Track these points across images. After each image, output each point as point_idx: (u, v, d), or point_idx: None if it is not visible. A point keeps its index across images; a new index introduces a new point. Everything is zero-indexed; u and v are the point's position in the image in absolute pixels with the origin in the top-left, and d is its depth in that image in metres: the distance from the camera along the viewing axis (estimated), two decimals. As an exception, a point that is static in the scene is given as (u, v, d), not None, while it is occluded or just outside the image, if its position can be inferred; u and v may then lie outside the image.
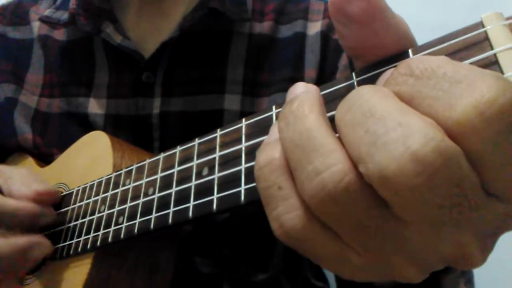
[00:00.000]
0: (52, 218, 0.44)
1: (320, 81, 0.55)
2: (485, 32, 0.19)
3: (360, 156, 0.17)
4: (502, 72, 0.18)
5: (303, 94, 0.21)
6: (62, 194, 0.47)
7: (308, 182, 0.18)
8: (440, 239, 0.17)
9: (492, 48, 0.19)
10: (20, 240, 0.39)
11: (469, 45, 0.20)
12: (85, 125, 0.56)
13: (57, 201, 0.44)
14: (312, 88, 0.22)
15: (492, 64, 0.18)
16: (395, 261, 0.18)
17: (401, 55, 0.22)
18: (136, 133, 0.54)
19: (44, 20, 0.61)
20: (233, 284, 0.53)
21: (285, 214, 0.19)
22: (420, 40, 0.23)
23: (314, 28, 0.57)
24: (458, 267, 0.19)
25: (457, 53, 0.20)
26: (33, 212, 0.41)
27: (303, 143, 0.19)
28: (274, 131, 0.22)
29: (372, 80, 0.22)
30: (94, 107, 0.56)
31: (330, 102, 0.24)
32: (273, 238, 0.60)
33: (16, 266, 0.39)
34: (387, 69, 0.22)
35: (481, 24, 0.19)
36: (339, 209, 0.18)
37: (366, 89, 0.18)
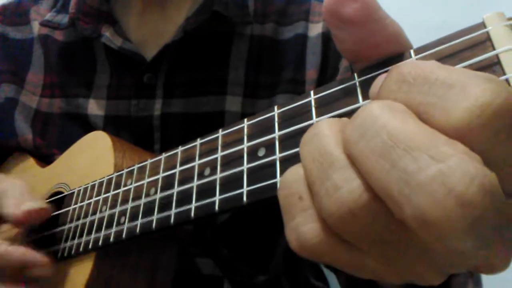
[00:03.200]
0: (46, 271, 0.40)
1: (321, 82, 0.55)
2: (487, 32, 0.19)
3: (390, 194, 0.16)
4: (504, 72, 0.18)
5: (327, 119, 0.21)
6: (63, 195, 0.47)
7: (327, 198, 0.17)
8: (468, 255, 0.16)
9: (494, 49, 0.19)
10: None
11: (471, 46, 0.20)
12: (86, 126, 0.56)
13: (49, 218, 0.42)
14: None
15: (494, 64, 0.19)
16: (418, 268, 0.18)
17: (403, 56, 0.22)
18: (137, 135, 0.54)
19: (45, 24, 0.61)
20: (233, 285, 0.53)
21: (303, 225, 0.19)
22: (420, 40, 0.23)
23: (316, 29, 0.57)
24: (482, 273, 0.18)
25: (459, 53, 0.20)
26: (22, 260, 0.39)
27: (320, 158, 0.19)
28: None
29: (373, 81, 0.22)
30: (94, 108, 0.56)
31: (332, 103, 0.24)
32: (273, 239, 0.59)
33: None
34: (388, 69, 0.22)
35: (482, 25, 0.20)
36: (360, 226, 0.17)
37: (378, 108, 0.17)
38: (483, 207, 0.14)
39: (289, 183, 0.20)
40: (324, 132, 0.19)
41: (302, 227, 0.19)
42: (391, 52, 0.22)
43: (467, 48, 0.20)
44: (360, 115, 0.17)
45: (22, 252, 0.39)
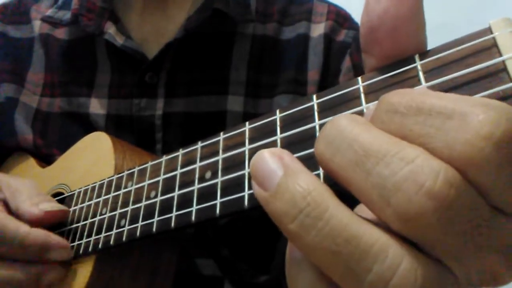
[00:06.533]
0: (67, 254, 0.40)
1: (323, 83, 0.55)
2: (494, 38, 0.19)
3: (372, 201, 0.16)
4: (510, 79, 0.18)
5: (299, 181, 0.17)
6: (63, 196, 0.47)
7: None
8: (469, 267, 0.16)
9: (500, 55, 0.18)
10: (33, 269, 0.39)
11: (477, 51, 0.19)
12: (86, 125, 0.56)
13: (67, 219, 0.43)
14: (291, 160, 0.19)
15: (500, 71, 0.18)
16: None
17: (408, 61, 0.22)
18: (139, 134, 0.54)
19: (46, 20, 0.61)
20: (234, 285, 0.53)
21: None
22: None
23: (318, 30, 0.57)
24: (490, 286, 0.18)
25: (465, 59, 0.20)
26: (44, 243, 0.39)
27: (343, 249, 0.16)
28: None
29: (377, 86, 0.22)
30: (95, 107, 0.56)
31: (335, 107, 0.24)
32: (274, 238, 0.59)
33: None
34: (394, 74, 0.22)
35: (489, 30, 0.19)
36: None
37: (344, 121, 0.18)
38: (451, 198, 0.15)
39: None
40: (329, 211, 0.16)
41: None
42: (405, 38, 0.21)
43: (473, 54, 0.19)
44: (328, 129, 0.18)
45: (44, 234, 0.39)
